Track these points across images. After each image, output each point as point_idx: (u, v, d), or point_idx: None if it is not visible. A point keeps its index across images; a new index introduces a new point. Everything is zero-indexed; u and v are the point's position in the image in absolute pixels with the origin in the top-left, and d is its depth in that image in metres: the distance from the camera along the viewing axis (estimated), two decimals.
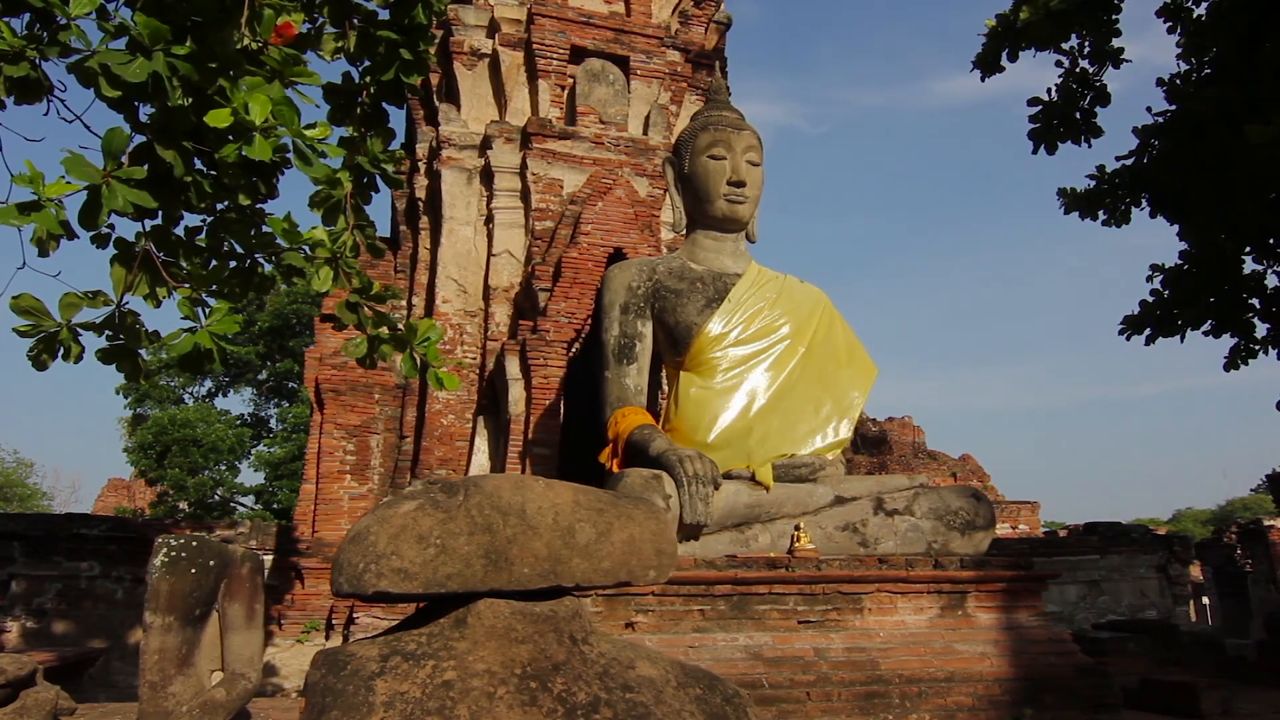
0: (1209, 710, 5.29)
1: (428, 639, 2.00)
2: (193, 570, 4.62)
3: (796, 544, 5.51)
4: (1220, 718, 5.29)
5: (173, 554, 4.83)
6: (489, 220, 10.04)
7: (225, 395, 23.72)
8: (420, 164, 10.54)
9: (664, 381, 7.35)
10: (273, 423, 23.10)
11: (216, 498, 20.92)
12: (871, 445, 28.90)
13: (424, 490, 2.11)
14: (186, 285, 3.40)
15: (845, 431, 6.24)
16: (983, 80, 9.25)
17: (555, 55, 10.26)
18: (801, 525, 5.62)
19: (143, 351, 3.51)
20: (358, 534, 2.05)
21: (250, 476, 22.34)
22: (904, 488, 6.06)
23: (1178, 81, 9.23)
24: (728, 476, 5.81)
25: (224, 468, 20.77)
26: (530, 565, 2.05)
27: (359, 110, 3.95)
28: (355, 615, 8.60)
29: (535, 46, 10.19)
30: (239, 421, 22.13)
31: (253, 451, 21.64)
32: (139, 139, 3.10)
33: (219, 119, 2.93)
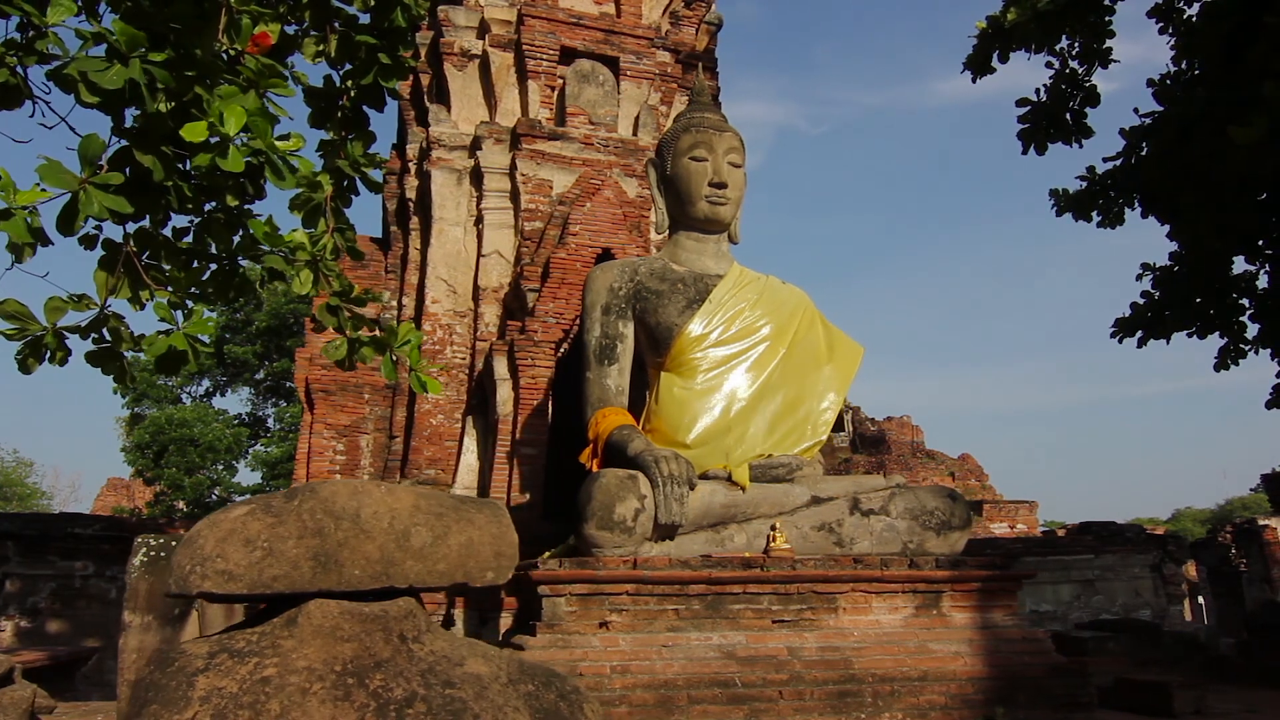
0: (1181, 709, 5.32)
1: (258, 637, 2.06)
2: None
3: (772, 544, 5.55)
4: (1193, 716, 5.32)
5: (152, 553, 4.87)
6: (479, 221, 10.07)
7: (223, 395, 23.83)
8: (411, 164, 10.57)
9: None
10: (270, 422, 23.19)
11: (214, 497, 20.99)
12: (870, 445, 28.94)
13: (262, 496, 2.15)
14: (168, 288, 3.44)
15: (823, 431, 6.28)
16: (973, 81, 9.27)
17: (545, 56, 10.29)
18: (777, 525, 5.66)
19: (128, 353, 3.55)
20: (190, 537, 2.10)
21: (248, 476, 22.44)
22: (880, 488, 6.08)
23: (1168, 83, 9.25)
24: (705, 477, 5.84)
25: (221, 467, 20.84)
26: (361, 567, 2.09)
27: (340, 114, 3.99)
28: None
29: (525, 47, 10.22)
30: (236, 421, 22.20)
31: (250, 451, 21.71)
32: (122, 144, 3.14)
33: (194, 133, 2.96)
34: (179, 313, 3.36)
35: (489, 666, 2.16)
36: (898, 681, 5.10)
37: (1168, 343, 9.45)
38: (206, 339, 3.43)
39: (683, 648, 5.07)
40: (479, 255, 10.00)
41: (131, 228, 3.29)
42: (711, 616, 5.27)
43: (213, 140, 3.06)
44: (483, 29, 10.40)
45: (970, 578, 5.62)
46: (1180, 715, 5.30)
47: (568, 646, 4.95)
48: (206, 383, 23.47)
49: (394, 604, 2.17)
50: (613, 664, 4.88)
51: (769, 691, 4.91)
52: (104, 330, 3.32)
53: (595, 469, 6.06)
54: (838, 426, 29.34)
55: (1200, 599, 19.48)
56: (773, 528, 5.65)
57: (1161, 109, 8.98)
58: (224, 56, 3.17)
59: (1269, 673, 7.01)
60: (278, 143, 3.21)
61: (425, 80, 10.66)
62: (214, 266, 3.66)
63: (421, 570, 2.17)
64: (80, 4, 2.99)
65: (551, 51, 10.30)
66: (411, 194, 10.52)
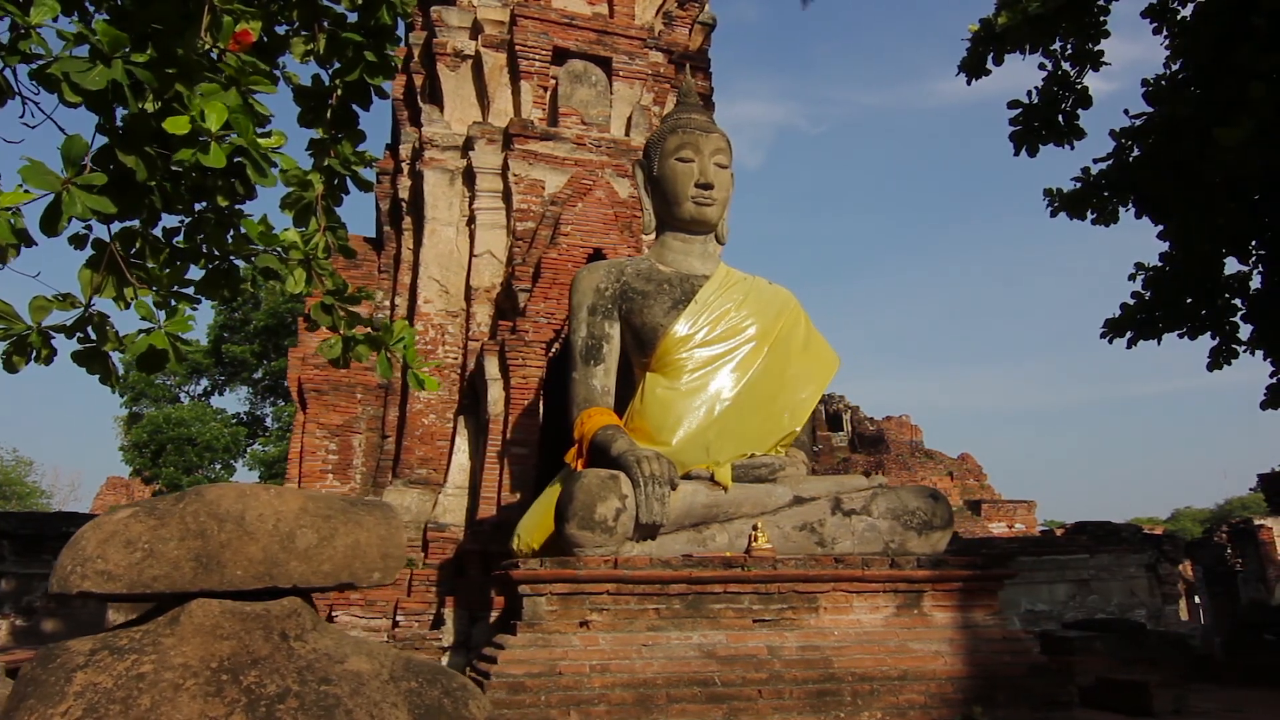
0: (1161, 709, 5.34)
1: (141, 635, 2.11)
2: None
3: (754, 543, 5.57)
4: (1172, 716, 5.34)
5: None
6: (471, 221, 10.11)
7: (221, 394, 23.86)
8: (404, 165, 10.60)
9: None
10: (268, 421, 23.20)
11: None
12: (869, 444, 28.94)
13: (149, 499, 2.20)
14: (152, 287, 3.47)
15: (801, 419, 6.32)
16: (968, 84, 9.28)
17: (538, 56, 10.31)
18: (759, 525, 5.68)
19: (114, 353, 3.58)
20: (74, 539, 2.14)
21: (246, 475, 22.48)
22: (862, 488, 6.11)
23: (1163, 83, 9.27)
24: (687, 477, 5.87)
25: (219, 466, 20.87)
26: (244, 568, 2.15)
27: (329, 113, 4.02)
28: (334, 613, 8.68)
29: (518, 48, 10.24)
30: (234, 420, 22.22)
31: (248, 450, 21.73)
32: (107, 144, 3.17)
33: (177, 125, 2.99)
34: (161, 312, 3.40)
35: (371, 664, 2.20)
36: (877, 681, 5.13)
37: (1158, 343, 9.47)
38: (193, 338, 3.47)
39: (663, 647, 5.09)
40: (471, 255, 10.03)
41: (116, 227, 3.32)
42: (692, 616, 5.29)
43: (201, 137, 3.10)
44: (476, 29, 10.42)
45: (951, 577, 5.64)
46: (1160, 714, 5.32)
47: (548, 645, 4.98)
48: (205, 382, 23.50)
49: (277, 603, 2.22)
50: (592, 663, 4.91)
51: (748, 690, 4.94)
52: (89, 329, 3.35)
53: (580, 469, 6.08)
54: (836, 426, 29.36)
55: (1197, 599, 19.50)
56: (754, 527, 5.67)
57: (1151, 110, 9.00)
58: (210, 56, 3.20)
59: (1252, 672, 7.02)
60: (259, 139, 3.24)
61: (419, 80, 10.69)
62: (209, 266, 3.70)
63: (306, 571, 2.23)
64: (62, 4, 3.02)
65: (544, 52, 10.32)
66: (404, 194, 10.55)
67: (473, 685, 2.34)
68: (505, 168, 9.94)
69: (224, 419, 21.49)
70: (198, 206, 3.51)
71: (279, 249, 3.65)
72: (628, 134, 10.43)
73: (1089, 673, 6.48)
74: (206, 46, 3.17)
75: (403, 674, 2.20)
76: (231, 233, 3.60)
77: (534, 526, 6.03)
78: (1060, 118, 9.17)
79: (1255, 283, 9.26)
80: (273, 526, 2.22)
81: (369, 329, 3.98)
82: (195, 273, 3.68)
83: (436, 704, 2.13)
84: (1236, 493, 44.94)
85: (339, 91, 3.95)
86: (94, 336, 3.36)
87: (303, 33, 3.79)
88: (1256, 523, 16.34)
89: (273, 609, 2.20)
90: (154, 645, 2.07)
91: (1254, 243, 9.10)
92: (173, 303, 3.46)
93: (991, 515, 23.46)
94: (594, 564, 5.23)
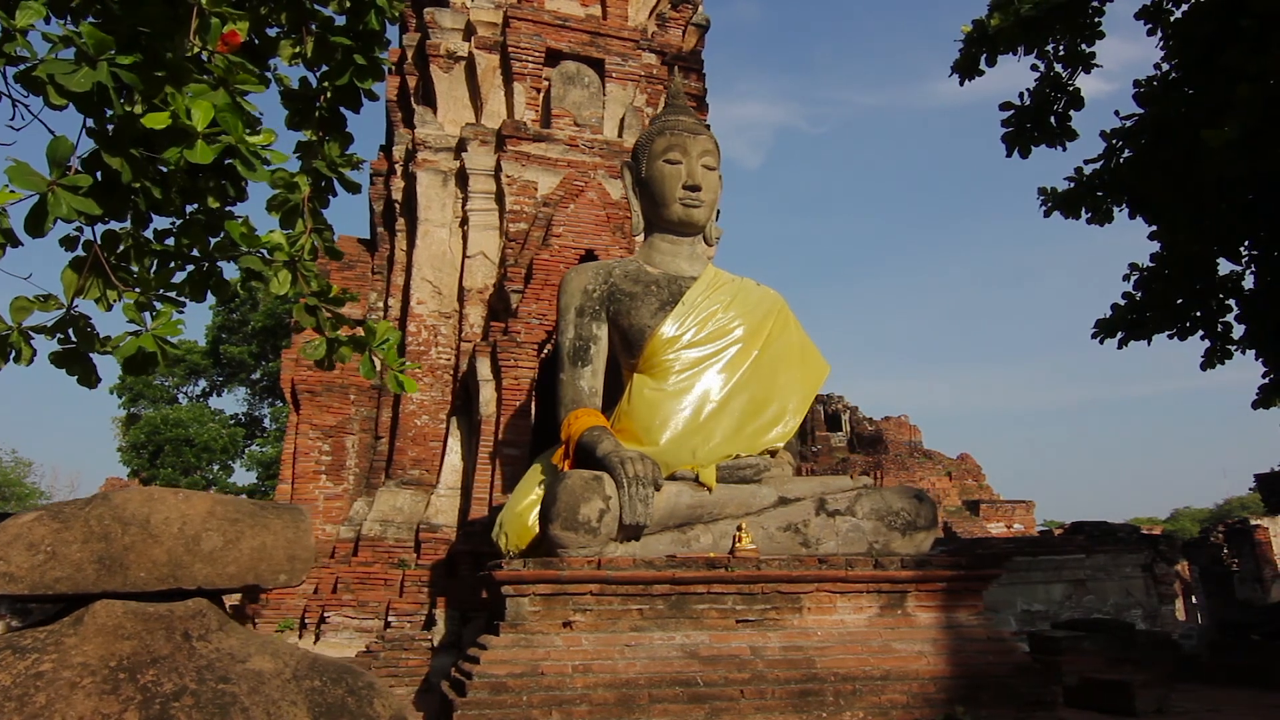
0: (1143, 708, 5.35)
1: (45, 635, 2.17)
2: None
3: (738, 544, 5.58)
4: (1154, 715, 5.36)
5: None
6: (464, 222, 10.13)
7: (219, 395, 23.89)
8: (397, 166, 10.62)
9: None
10: (266, 422, 23.23)
11: None
12: (867, 444, 28.93)
13: (55, 503, 2.25)
14: (137, 290, 3.49)
15: (790, 429, 6.32)
16: (961, 85, 9.29)
17: (530, 58, 10.34)
18: (743, 526, 5.69)
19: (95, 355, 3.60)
20: None
21: (243, 476, 22.50)
22: (847, 489, 6.12)
23: (1154, 84, 9.28)
24: (673, 478, 5.88)
25: (217, 467, 20.90)
26: (148, 570, 2.19)
27: (317, 115, 4.04)
28: (327, 614, 8.71)
29: (511, 49, 10.27)
30: (232, 421, 22.26)
31: (245, 451, 21.76)
32: (95, 146, 3.19)
33: (156, 121, 3.02)
34: (147, 314, 3.42)
35: (274, 663, 2.24)
36: (860, 681, 5.14)
37: (1148, 344, 9.48)
38: (192, 339, 3.48)
39: (645, 647, 5.10)
40: (464, 256, 10.06)
41: (100, 229, 3.34)
42: (675, 616, 5.31)
43: (174, 141, 3.12)
44: (469, 31, 10.45)
45: (935, 577, 5.65)
46: (1142, 714, 5.34)
47: (530, 646, 4.99)
48: (203, 383, 23.53)
49: (182, 604, 2.28)
50: (575, 663, 4.92)
51: (730, 690, 4.95)
52: (70, 331, 3.37)
53: (567, 469, 6.10)
54: (835, 426, 29.36)
55: (1194, 599, 19.50)
56: (739, 528, 5.68)
57: (1142, 111, 9.00)
58: (200, 58, 3.22)
59: (1236, 672, 7.04)
60: (249, 137, 3.26)
61: (412, 82, 10.72)
62: (190, 268, 3.72)
63: (211, 573, 2.28)
64: (50, 7, 3.05)
65: (537, 53, 10.35)
66: (398, 195, 10.58)
67: (380, 684, 2.38)
68: (498, 169, 9.97)
69: (222, 420, 21.52)
70: (189, 209, 3.54)
71: (262, 250, 3.68)
72: (620, 135, 10.45)
73: (1076, 673, 6.49)
74: (195, 50, 3.20)
75: (306, 673, 2.24)
76: (218, 235, 3.63)
77: (518, 526, 6.05)
78: (1052, 119, 9.19)
79: (1248, 283, 9.26)
80: (178, 530, 2.28)
81: (353, 330, 4.01)
82: (183, 275, 3.72)
83: (339, 702, 2.18)
84: (1236, 492, 44.97)
85: (327, 94, 3.98)
86: (74, 338, 3.39)
87: (291, 35, 3.82)
88: (1253, 523, 16.35)
89: (176, 610, 2.26)
90: (56, 645, 2.12)
91: (1246, 243, 9.11)
92: (157, 305, 3.49)
93: (990, 515, 23.46)
94: (577, 564, 5.25)
